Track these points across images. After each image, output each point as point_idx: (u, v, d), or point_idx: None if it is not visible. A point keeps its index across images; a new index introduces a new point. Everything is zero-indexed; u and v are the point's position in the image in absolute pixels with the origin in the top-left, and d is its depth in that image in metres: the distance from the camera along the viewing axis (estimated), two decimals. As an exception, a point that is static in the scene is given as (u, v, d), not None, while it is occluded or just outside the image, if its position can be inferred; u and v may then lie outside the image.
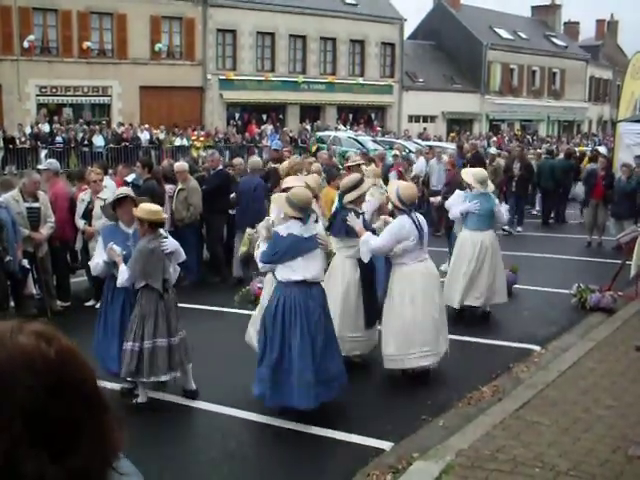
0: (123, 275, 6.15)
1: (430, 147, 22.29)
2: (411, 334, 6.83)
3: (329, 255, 6.62)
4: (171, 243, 6.36)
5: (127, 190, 7.07)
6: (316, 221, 6.34)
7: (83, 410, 1.13)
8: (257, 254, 6.31)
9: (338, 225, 7.20)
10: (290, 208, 6.03)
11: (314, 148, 26.91)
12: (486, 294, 9.10)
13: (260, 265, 6.27)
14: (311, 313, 5.94)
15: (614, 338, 8.18)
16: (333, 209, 7.74)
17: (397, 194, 6.95)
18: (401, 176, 14.00)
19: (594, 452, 5.13)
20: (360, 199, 7.31)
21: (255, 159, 12.69)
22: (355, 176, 7.65)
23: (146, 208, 6.28)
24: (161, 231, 6.40)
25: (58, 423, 1.09)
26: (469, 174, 9.30)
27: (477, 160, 16.05)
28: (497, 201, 9.62)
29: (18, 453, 1.05)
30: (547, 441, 5.32)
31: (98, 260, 6.56)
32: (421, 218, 7.10)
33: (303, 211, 6.03)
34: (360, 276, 7.21)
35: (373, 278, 7.32)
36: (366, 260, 6.98)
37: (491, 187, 9.57)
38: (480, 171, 9.63)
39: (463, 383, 6.91)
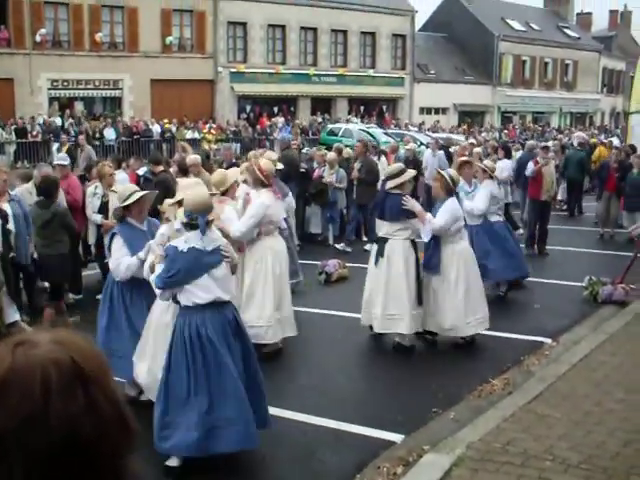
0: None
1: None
2: (465, 305, 7.64)
3: (234, 269, 5.36)
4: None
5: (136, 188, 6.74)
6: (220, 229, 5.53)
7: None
8: (152, 279, 5.23)
9: (392, 210, 7.50)
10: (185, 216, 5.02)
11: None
12: None
13: (158, 293, 5.21)
14: (228, 338, 5.04)
15: (626, 331, 8.15)
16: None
17: (450, 179, 7.64)
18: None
19: (605, 445, 5.12)
20: (404, 185, 7.64)
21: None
22: (398, 164, 8.37)
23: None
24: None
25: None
26: None
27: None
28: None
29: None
30: (558, 434, 5.31)
31: (128, 262, 5.97)
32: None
33: (200, 219, 4.97)
34: (416, 256, 7.67)
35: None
36: (427, 239, 7.54)
37: None
38: None
39: (474, 376, 6.91)
